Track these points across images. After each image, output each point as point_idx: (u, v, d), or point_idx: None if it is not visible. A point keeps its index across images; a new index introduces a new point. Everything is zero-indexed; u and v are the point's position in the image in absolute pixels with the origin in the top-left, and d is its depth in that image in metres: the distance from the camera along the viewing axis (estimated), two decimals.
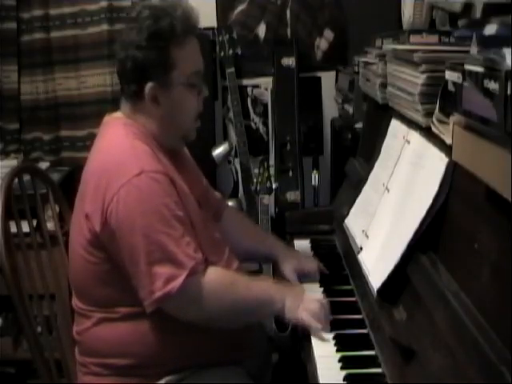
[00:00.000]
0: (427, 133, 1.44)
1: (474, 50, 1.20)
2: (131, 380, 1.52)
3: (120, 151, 1.48)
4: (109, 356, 1.52)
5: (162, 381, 1.51)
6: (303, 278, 1.77)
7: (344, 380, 1.32)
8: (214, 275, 1.48)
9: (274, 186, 2.70)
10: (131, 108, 1.55)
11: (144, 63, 1.47)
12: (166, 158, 1.53)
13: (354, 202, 1.83)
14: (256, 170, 2.84)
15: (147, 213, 1.41)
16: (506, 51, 0.93)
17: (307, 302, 1.52)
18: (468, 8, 1.76)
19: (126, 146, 1.48)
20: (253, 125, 3.18)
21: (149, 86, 1.49)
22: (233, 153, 3.06)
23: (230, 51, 2.95)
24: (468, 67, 1.05)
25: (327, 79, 3.11)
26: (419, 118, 1.47)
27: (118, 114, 1.60)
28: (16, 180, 1.76)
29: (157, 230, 1.40)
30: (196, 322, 1.48)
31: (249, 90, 3.14)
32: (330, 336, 1.47)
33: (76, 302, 1.59)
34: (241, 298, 1.51)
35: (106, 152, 1.52)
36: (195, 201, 1.56)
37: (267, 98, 3.15)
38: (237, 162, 3.05)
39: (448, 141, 1.26)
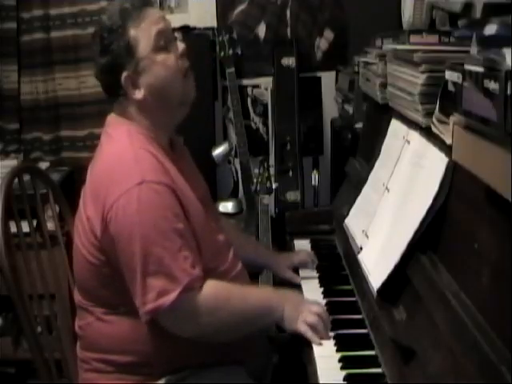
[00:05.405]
0: (427, 133, 1.44)
1: (474, 50, 1.20)
2: (132, 378, 1.52)
3: (124, 160, 1.47)
4: (110, 352, 1.52)
5: (163, 380, 1.51)
6: (302, 269, 1.86)
7: (344, 380, 1.32)
8: (210, 291, 1.46)
9: (274, 186, 2.69)
10: (122, 108, 1.55)
11: (110, 62, 1.49)
12: (170, 161, 1.52)
13: (354, 202, 1.83)
14: (256, 170, 2.83)
15: (145, 224, 1.40)
16: (506, 51, 0.93)
17: (306, 314, 1.50)
18: (468, 8, 1.76)
19: (130, 155, 1.47)
20: (253, 125, 3.18)
21: (123, 76, 1.49)
22: (233, 153, 3.05)
23: (230, 51, 2.94)
24: (468, 67, 1.05)
25: (327, 79, 3.11)
26: (419, 118, 1.47)
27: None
28: (16, 180, 1.76)
29: (154, 242, 1.40)
30: (193, 338, 1.47)
31: (249, 90, 3.14)
32: (330, 336, 1.48)
33: (78, 297, 1.59)
34: (238, 312, 1.50)
35: (110, 159, 1.51)
36: (199, 203, 1.55)
37: (267, 98, 3.15)
38: (237, 162, 3.05)
39: (448, 141, 1.26)
